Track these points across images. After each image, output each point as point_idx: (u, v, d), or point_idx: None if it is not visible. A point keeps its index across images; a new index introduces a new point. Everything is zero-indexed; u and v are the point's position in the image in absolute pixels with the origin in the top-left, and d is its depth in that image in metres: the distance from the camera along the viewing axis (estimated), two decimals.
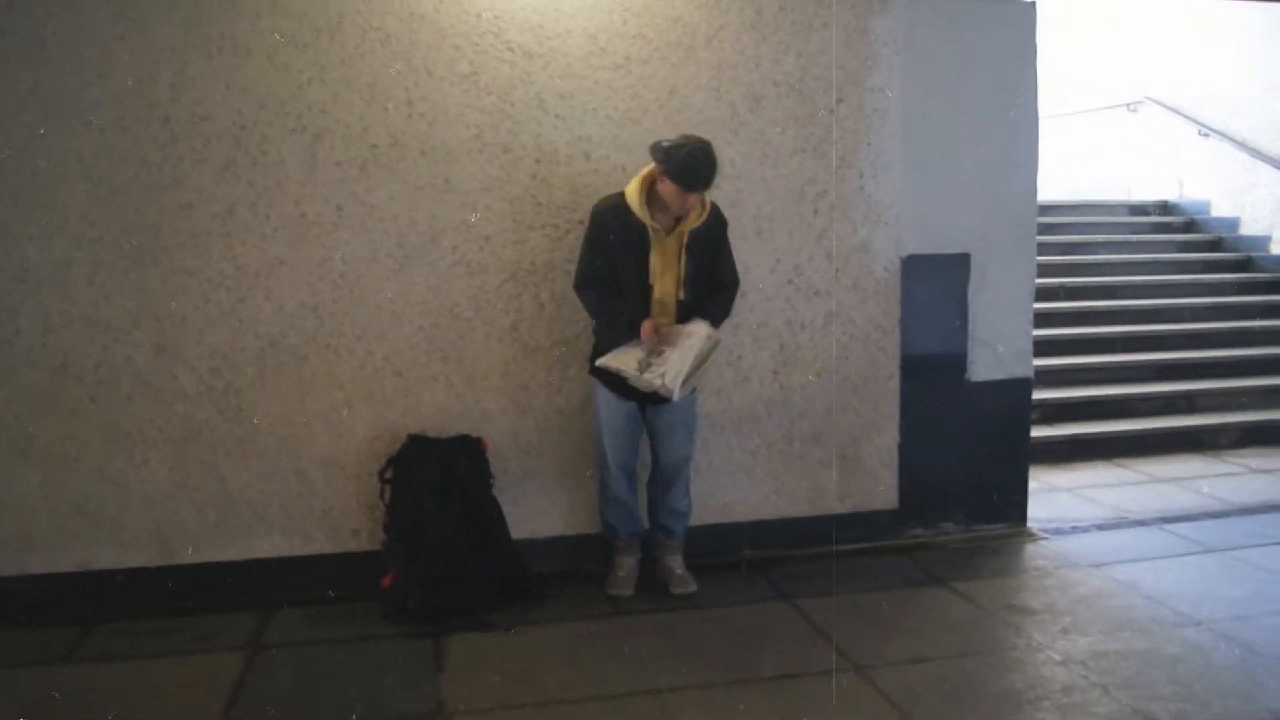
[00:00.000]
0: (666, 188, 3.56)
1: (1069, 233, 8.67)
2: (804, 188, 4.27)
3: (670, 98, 4.11)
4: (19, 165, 3.68)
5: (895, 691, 3.06)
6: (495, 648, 3.46)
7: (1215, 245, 8.77)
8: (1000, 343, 4.51)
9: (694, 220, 3.70)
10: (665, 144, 3.56)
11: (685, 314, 3.75)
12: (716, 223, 3.81)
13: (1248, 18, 8.47)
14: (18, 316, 3.74)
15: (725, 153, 4.14)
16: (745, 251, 4.22)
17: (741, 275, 4.21)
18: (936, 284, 4.42)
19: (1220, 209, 8.91)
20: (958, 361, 4.49)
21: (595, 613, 3.70)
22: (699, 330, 3.69)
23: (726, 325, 4.20)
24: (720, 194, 4.16)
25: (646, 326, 3.65)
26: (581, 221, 4.07)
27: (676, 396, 3.58)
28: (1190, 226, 9.08)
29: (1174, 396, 6.60)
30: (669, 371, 3.57)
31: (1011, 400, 4.57)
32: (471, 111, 3.97)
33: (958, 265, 4.43)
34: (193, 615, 3.75)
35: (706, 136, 4.03)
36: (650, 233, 3.67)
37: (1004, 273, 4.49)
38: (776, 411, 4.33)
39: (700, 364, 3.69)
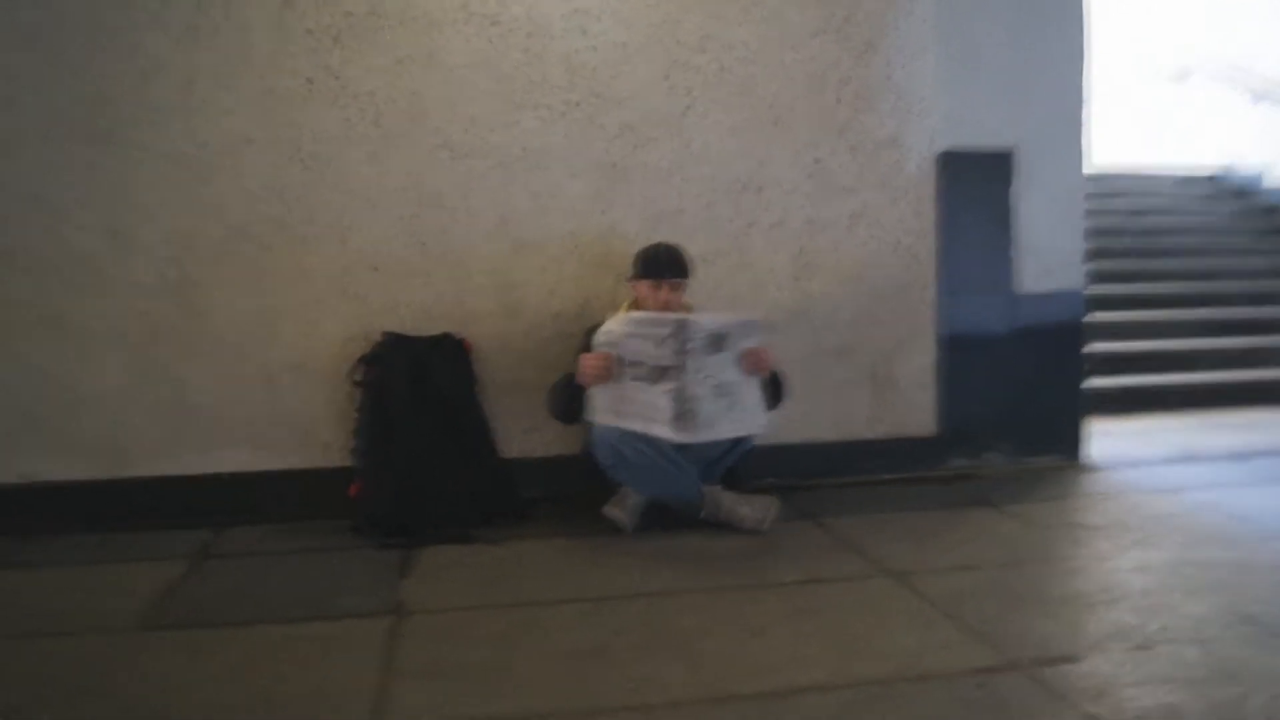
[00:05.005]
0: (642, 291, 3.33)
1: (1117, 199, 8.19)
2: (825, 73, 3.83)
3: None
4: None
5: (938, 595, 2.57)
6: (470, 557, 3.01)
7: (1270, 212, 8.24)
8: (1048, 249, 4.02)
9: None
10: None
11: None
12: None
13: None
14: None
15: (738, 32, 3.76)
16: (759, 142, 3.80)
17: (756, 169, 3.81)
18: (975, 184, 3.95)
19: (1274, 178, 8.37)
20: (1001, 271, 4.01)
21: (591, 530, 3.22)
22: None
23: (739, 226, 3.81)
24: (732, 78, 3.77)
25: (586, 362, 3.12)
26: (579, 104, 3.68)
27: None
28: (1241, 195, 8.56)
29: (1235, 351, 6.07)
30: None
31: (1063, 315, 4.08)
32: None
33: (999, 163, 3.97)
34: (143, 530, 3.33)
35: (717, 12, 3.70)
36: None
37: (1050, 172, 4.02)
38: (798, 322, 3.87)
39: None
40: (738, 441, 3.24)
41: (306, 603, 2.63)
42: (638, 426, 3.07)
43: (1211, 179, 8.87)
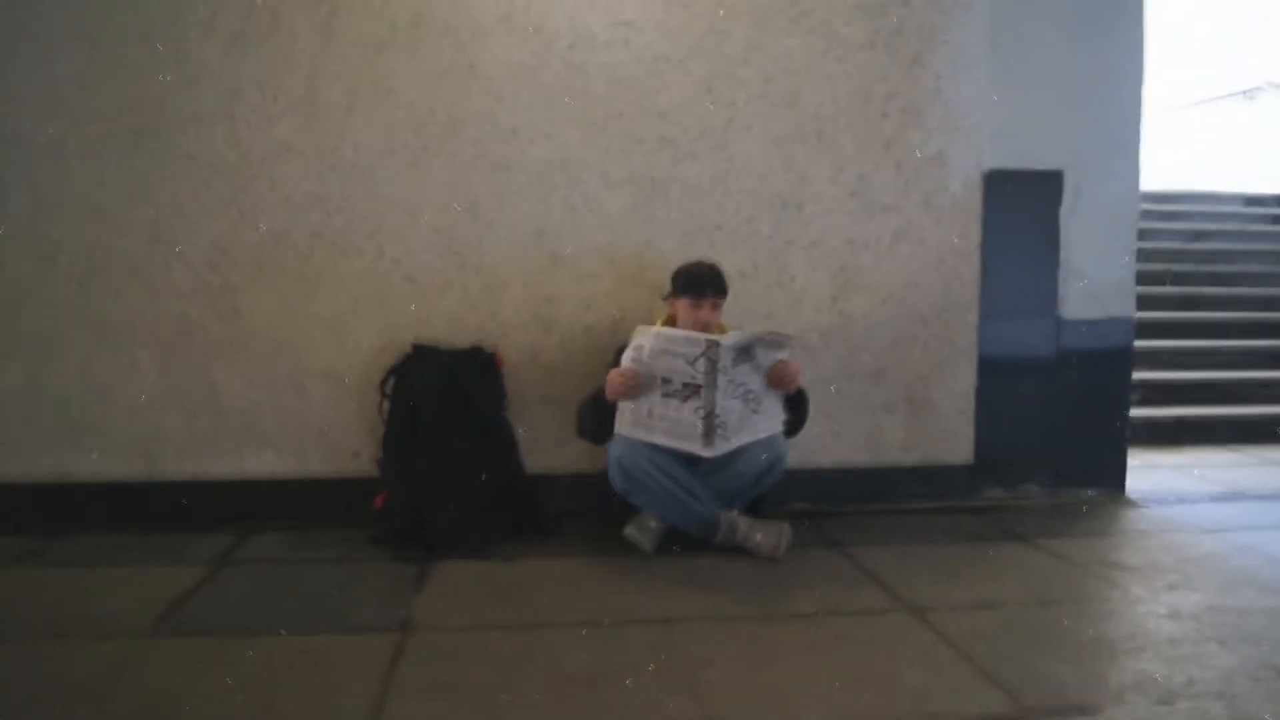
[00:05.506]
0: (681, 309, 3.27)
1: (1177, 221, 7.97)
2: (872, 87, 3.77)
3: None
4: (12, 27, 3.41)
5: (956, 633, 2.50)
6: (486, 574, 3.00)
7: None
8: (1096, 275, 3.91)
9: None
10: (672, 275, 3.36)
11: None
12: None
13: None
14: (7, 194, 3.46)
15: (783, 43, 3.71)
16: (802, 157, 3.74)
17: (798, 184, 3.75)
18: (1023, 204, 3.86)
19: None
20: (1047, 295, 3.91)
21: (612, 549, 3.19)
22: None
23: (778, 243, 3.76)
24: (776, 90, 3.72)
25: (613, 378, 3.10)
26: (620, 116, 3.65)
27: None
28: None
29: None
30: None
31: (1109, 344, 3.95)
32: None
33: (1048, 184, 3.87)
34: (170, 533, 3.38)
35: (762, 23, 3.65)
36: None
37: (1102, 195, 3.90)
38: (834, 342, 3.81)
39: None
40: (765, 473, 3.19)
41: (317, 615, 2.64)
42: (662, 440, 3.06)
43: None
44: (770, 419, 3.14)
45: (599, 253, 3.68)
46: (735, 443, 3.05)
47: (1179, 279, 7.01)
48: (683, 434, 3.02)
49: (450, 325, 3.63)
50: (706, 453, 3.01)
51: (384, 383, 3.49)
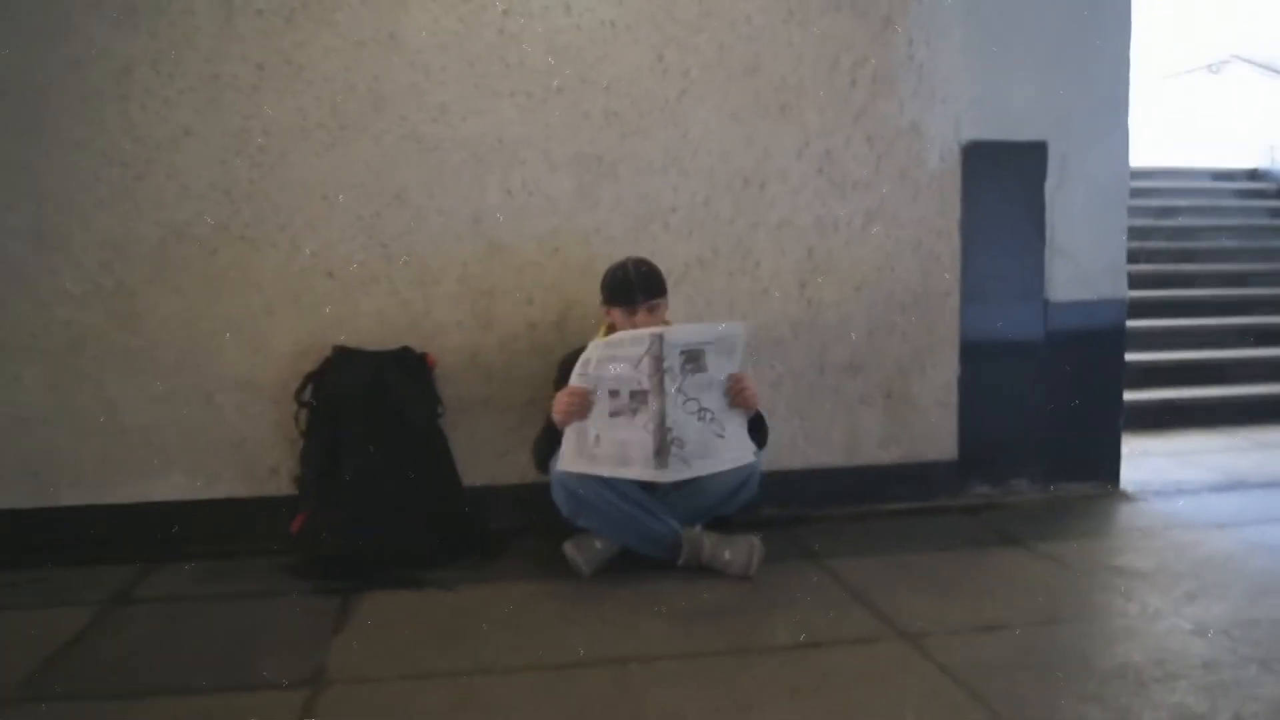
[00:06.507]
0: (617, 318, 2.90)
1: (1146, 198, 7.74)
2: (839, 54, 3.43)
3: None
4: None
5: (960, 665, 2.18)
6: (419, 607, 2.62)
7: None
8: (1085, 253, 3.61)
9: None
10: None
11: None
12: None
13: None
14: None
15: (740, 7, 3.36)
16: (765, 131, 3.40)
17: (760, 161, 3.41)
18: (1006, 178, 3.56)
19: None
20: (1033, 277, 3.61)
21: (563, 572, 2.83)
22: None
23: (740, 226, 3.42)
24: (734, 59, 3.37)
25: (560, 399, 2.73)
26: (560, 89, 3.29)
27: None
28: None
29: (1277, 361, 5.63)
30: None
31: (1101, 327, 3.67)
32: None
33: (1032, 156, 3.57)
34: (65, 567, 2.98)
35: None
36: None
37: (1090, 167, 3.61)
38: (804, 334, 3.48)
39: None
40: (735, 493, 2.85)
41: (216, 667, 2.25)
42: (609, 471, 2.70)
43: (1251, 174, 8.42)
44: (738, 443, 2.77)
45: (541, 241, 3.32)
46: (696, 469, 2.70)
47: (1149, 257, 6.78)
48: (632, 457, 2.66)
49: (377, 325, 3.26)
50: (661, 476, 2.66)
51: (300, 390, 3.11)
